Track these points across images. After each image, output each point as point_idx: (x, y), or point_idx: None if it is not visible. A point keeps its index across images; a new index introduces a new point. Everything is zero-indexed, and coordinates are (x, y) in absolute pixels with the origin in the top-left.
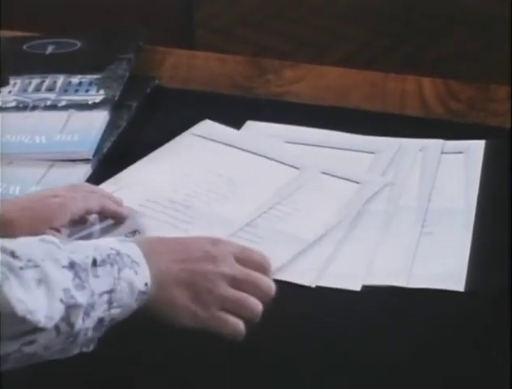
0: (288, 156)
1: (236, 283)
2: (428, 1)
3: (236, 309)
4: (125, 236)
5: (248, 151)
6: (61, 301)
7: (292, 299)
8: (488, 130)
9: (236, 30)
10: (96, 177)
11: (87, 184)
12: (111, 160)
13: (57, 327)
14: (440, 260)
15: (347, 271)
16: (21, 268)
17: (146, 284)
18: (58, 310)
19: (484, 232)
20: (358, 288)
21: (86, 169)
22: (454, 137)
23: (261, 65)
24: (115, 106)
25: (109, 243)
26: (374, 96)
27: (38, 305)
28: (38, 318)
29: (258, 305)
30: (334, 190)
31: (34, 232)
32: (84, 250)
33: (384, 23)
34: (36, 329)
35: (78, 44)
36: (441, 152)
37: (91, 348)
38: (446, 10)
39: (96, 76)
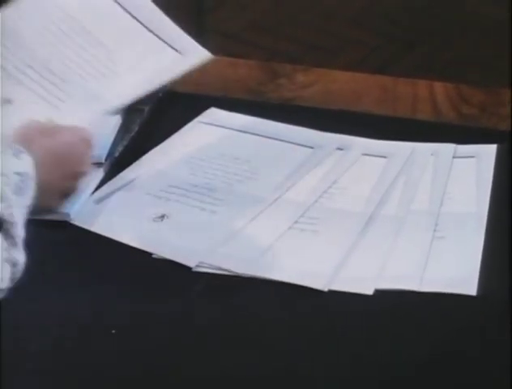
0: (300, 137)
1: None
2: (438, 6)
3: None
4: (153, 220)
5: (259, 135)
6: None
7: (305, 303)
8: (500, 134)
9: (247, 35)
10: (108, 181)
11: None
12: (123, 163)
13: None
14: (452, 264)
15: (359, 275)
16: None
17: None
18: None
19: (495, 237)
20: (370, 292)
21: (98, 173)
22: (465, 141)
23: (273, 69)
24: (127, 110)
25: None
26: (386, 100)
27: None
28: None
29: None
30: (362, 164)
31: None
32: None
33: (394, 28)
34: None
35: None
36: (453, 157)
37: None
38: (456, 16)
39: None
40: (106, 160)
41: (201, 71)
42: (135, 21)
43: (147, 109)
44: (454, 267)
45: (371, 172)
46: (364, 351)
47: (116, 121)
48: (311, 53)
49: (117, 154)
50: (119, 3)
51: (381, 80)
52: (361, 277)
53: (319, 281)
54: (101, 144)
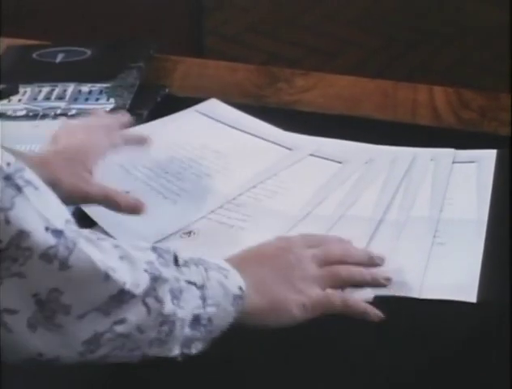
0: (284, 138)
1: (320, 261)
2: (438, 9)
3: (334, 282)
4: None
5: (247, 133)
6: (146, 271)
7: None
8: (500, 139)
9: (247, 37)
10: None
11: (100, 116)
12: None
13: (145, 302)
14: (452, 271)
15: None
16: (99, 239)
17: (240, 288)
18: (144, 279)
19: (496, 243)
20: (370, 299)
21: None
22: (465, 146)
23: (272, 73)
24: None
25: (187, 254)
26: (386, 105)
27: (121, 268)
28: (122, 277)
29: (347, 270)
30: (319, 169)
31: (73, 173)
32: (164, 246)
33: (394, 31)
34: (123, 294)
35: (89, 52)
36: (453, 162)
37: (194, 350)
38: (456, 19)
39: (106, 85)
40: None
41: (199, 75)
42: (243, 133)
43: (145, 113)
44: (454, 274)
45: (375, 177)
46: (363, 358)
47: None
48: (311, 56)
49: None
50: (224, 123)
51: (381, 85)
52: None
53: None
54: None
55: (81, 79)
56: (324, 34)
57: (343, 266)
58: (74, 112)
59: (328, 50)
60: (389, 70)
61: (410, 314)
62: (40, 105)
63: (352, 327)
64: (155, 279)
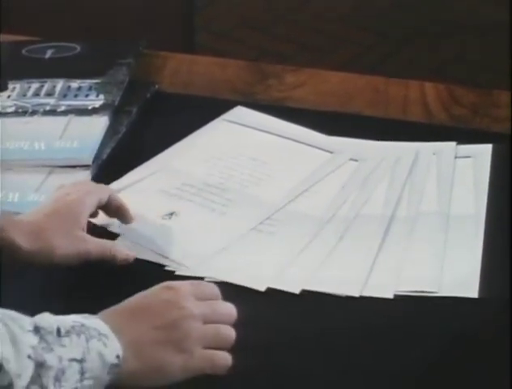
0: (321, 140)
1: (206, 318)
2: (431, 6)
3: (216, 343)
4: (163, 218)
5: (280, 136)
6: (30, 357)
7: (317, 309)
8: (492, 135)
9: (238, 33)
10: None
11: (90, 181)
12: (110, 165)
13: None
14: (452, 267)
15: (356, 278)
16: None
17: (117, 357)
18: (28, 368)
19: (495, 237)
20: (356, 295)
21: (85, 176)
22: (457, 143)
23: (262, 70)
24: (115, 111)
25: (71, 317)
26: (377, 101)
27: (8, 354)
28: (12, 369)
29: (231, 331)
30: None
31: (68, 235)
32: (47, 319)
33: (386, 27)
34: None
35: (78, 48)
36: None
37: None
38: (449, 15)
39: (95, 81)
40: (94, 162)
41: (189, 72)
42: (277, 137)
43: (134, 110)
44: (454, 270)
45: (379, 175)
46: (363, 356)
47: (104, 123)
48: (302, 52)
49: (104, 156)
50: (256, 128)
51: (372, 81)
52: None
53: (352, 288)
54: (89, 146)
55: (70, 75)
56: (317, 30)
57: (227, 326)
58: (63, 108)
59: (321, 46)
60: (383, 67)
61: (411, 311)
62: (30, 102)
63: (350, 325)
64: (40, 366)
